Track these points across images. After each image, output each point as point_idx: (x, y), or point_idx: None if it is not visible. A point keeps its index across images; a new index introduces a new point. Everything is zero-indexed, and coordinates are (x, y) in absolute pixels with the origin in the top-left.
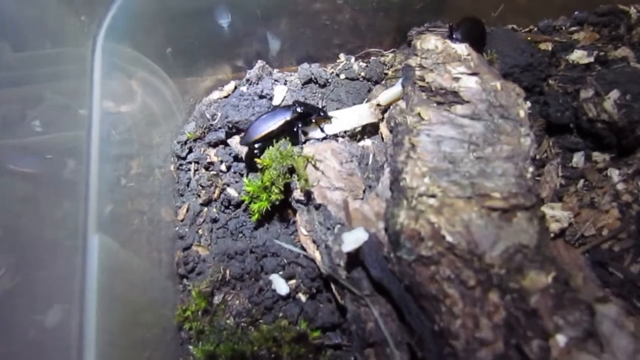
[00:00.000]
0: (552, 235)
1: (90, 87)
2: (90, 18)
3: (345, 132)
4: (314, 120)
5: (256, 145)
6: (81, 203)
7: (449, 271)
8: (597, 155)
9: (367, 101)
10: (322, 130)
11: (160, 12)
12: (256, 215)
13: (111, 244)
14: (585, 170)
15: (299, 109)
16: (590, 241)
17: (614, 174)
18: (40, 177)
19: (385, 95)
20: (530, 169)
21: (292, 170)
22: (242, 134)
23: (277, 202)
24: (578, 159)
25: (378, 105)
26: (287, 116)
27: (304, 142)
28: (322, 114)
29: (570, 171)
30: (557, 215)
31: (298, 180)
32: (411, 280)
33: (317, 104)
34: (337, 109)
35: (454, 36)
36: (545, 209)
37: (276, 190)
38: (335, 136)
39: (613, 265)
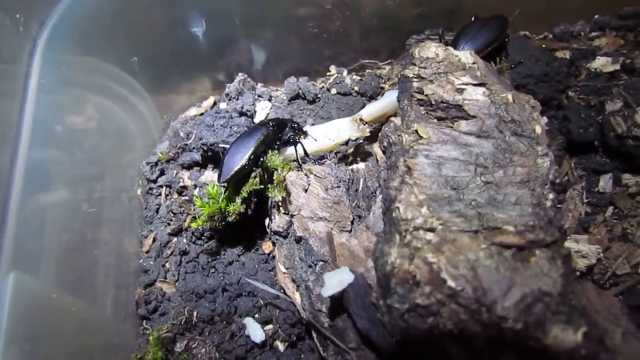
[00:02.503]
0: (577, 274)
1: (24, 98)
2: (29, 16)
3: (335, 153)
4: (290, 137)
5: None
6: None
7: (451, 325)
8: (628, 178)
9: None
10: (302, 146)
11: (119, 14)
12: (199, 222)
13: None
14: (615, 196)
15: (271, 123)
16: (624, 281)
17: None
18: None
19: (370, 109)
20: (551, 196)
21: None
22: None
23: (234, 217)
24: (605, 182)
25: (361, 119)
26: (261, 135)
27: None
28: (294, 125)
29: (596, 197)
30: (582, 249)
31: (271, 192)
32: (404, 335)
33: (305, 121)
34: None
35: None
36: (568, 242)
37: (237, 200)
38: (320, 158)
39: None
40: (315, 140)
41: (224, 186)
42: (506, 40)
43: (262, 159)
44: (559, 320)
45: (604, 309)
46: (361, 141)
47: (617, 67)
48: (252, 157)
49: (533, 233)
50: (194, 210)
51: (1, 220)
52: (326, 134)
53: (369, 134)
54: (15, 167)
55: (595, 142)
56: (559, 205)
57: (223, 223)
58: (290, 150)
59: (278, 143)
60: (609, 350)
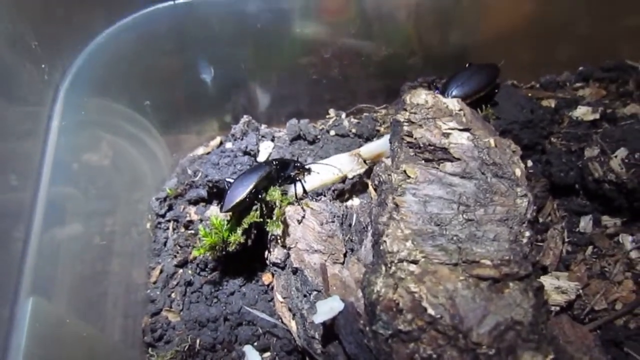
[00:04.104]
0: (558, 308)
1: (45, 139)
2: (53, 66)
3: (333, 191)
4: (292, 175)
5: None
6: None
7: (430, 350)
8: (606, 220)
9: None
10: (302, 184)
11: (134, 61)
12: (201, 250)
13: (56, 309)
14: (594, 236)
15: (274, 162)
16: (601, 316)
17: (627, 240)
18: None
19: (368, 147)
20: (527, 234)
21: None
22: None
23: (235, 247)
24: (586, 223)
25: (359, 155)
26: (264, 172)
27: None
28: (297, 164)
29: (577, 237)
30: (563, 286)
31: (270, 226)
32: (388, 359)
33: (305, 160)
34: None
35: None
36: (549, 278)
37: (239, 231)
38: (317, 195)
39: (629, 345)
40: (318, 173)
41: (226, 217)
42: (495, 90)
43: (262, 194)
44: (529, 347)
45: (577, 340)
46: (358, 179)
47: (597, 116)
48: (253, 191)
49: (508, 267)
50: (200, 242)
51: (23, 250)
52: (328, 169)
53: (366, 168)
54: (36, 202)
55: (576, 185)
56: (540, 244)
57: (224, 252)
58: (292, 189)
59: (280, 180)
60: None
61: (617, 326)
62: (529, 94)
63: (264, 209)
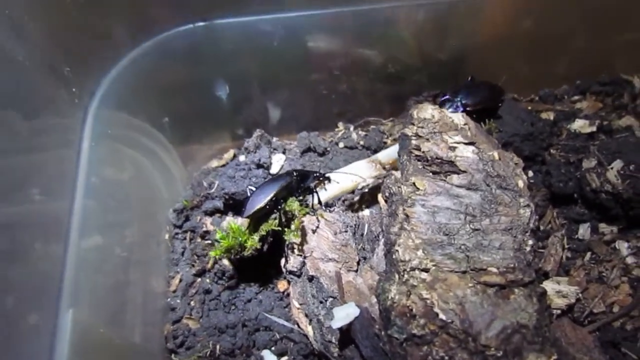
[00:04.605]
0: (559, 311)
1: (78, 156)
2: (83, 89)
3: (343, 201)
4: (312, 186)
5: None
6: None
7: (442, 352)
8: (603, 227)
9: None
10: (318, 195)
11: (154, 84)
12: (217, 252)
13: (91, 319)
14: (592, 243)
15: (295, 173)
16: (600, 318)
17: (623, 246)
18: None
19: (385, 152)
20: (530, 242)
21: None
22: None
23: (250, 252)
24: (584, 230)
25: (378, 161)
26: (284, 182)
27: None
28: (317, 174)
29: (576, 243)
30: (563, 290)
31: (287, 235)
32: None
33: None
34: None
35: (461, 100)
36: (550, 283)
37: (255, 237)
38: (328, 206)
39: (626, 346)
40: (338, 182)
41: (243, 223)
42: (499, 104)
43: (282, 204)
44: (533, 349)
45: (578, 341)
46: (366, 190)
47: (594, 128)
48: (273, 199)
49: (513, 274)
50: (217, 244)
51: (62, 263)
52: (347, 176)
53: (385, 173)
54: (72, 216)
55: (574, 194)
56: (541, 250)
57: (238, 256)
58: (310, 199)
59: (300, 191)
60: None
61: (615, 328)
62: (529, 107)
63: (283, 218)
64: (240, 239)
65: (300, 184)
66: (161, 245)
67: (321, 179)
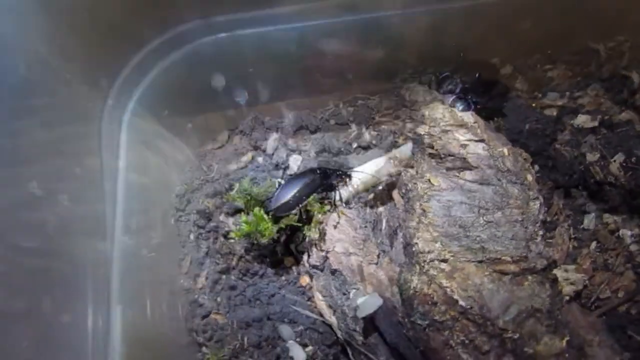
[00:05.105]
0: (567, 298)
1: (116, 163)
2: (117, 101)
3: (359, 198)
4: (335, 183)
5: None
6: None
7: (462, 336)
8: (607, 217)
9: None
10: (339, 193)
11: (179, 92)
12: (238, 234)
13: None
14: (597, 232)
15: (318, 171)
16: (606, 304)
17: (626, 235)
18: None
19: (400, 149)
20: (540, 232)
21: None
22: (267, 201)
23: (268, 240)
24: (589, 220)
25: (396, 157)
26: (308, 179)
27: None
28: (340, 172)
29: (582, 233)
30: (571, 278)
31: (308, 231)
32: (426, 345)
33: (309, 149)
34: (327, 156)
35: (469, 98)
36: (559, 271)
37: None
38: (347, 203)
39: (631, 329)
40: (359, 179)
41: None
42: (505, 102)
43: (304, 200)
44: (547, 331)
45: (587, 325)
46: (381, 188)
47: (596, 123)
48: (296, 195)
49: (526, 262)
50: (239, 250)
51: (107, 262)
52: (369, 173)
53: (403, 169)
54: (115, 217)
55: (579, 186)
56: (550, 240)
57: (257, 242)
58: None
59: (322, 188)
60: (587, 356)
61: (620, 312)
62: (533, 104)
63: (303, 214)
64: (261, 226)
65: (323, 181)
66: (187, 245)
67: (343, 176)
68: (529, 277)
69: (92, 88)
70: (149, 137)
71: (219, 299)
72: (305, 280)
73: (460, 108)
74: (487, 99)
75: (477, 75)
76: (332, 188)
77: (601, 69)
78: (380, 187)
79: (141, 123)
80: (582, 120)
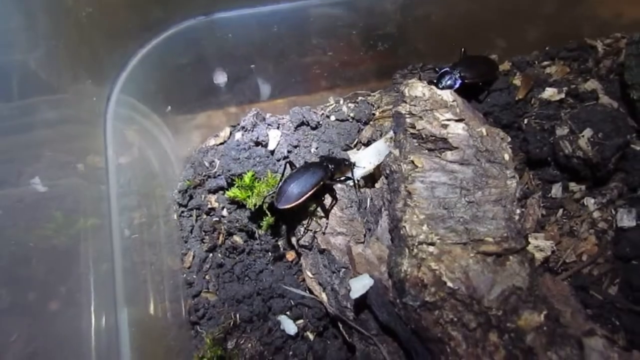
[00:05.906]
0: (538, 263)
1: (119, 159)
2: (100, 97)
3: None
4: (341, 178)
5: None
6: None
7: (451, 315)
8: (573, 186)
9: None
10: (346, 178)
11: (160, 78)
12: (230, 193)
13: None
14: (564, 201)
15: (330, 167)
16: (571, 267)
17: (590, 202)
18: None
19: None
20: (518, 211)
21: None
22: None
23: (267, 228)
24: (556, 190)
25: (391, 138)
26: (320, 177)
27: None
28: (346, 162)
29: (550, 201)
30: (540, 244)
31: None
32: (417, 324)
33: (310, 145)
34: (329, 150)
35: (460, 74)
36: (530, 239)
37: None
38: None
39: (593, 289)
40: (364, 167)
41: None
42: (496, 78)
43: (311, 192)
44: (527, 307)
45: (557, 293)
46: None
47: (563, 95)
48: (303, 189)
49: (507, 243)
50: (224, 228)
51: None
52: (370, 159)
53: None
54: (111, 210)
55: (548, 158)
56: (522, 209)
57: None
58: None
59: (328, 178)
60: (562, 326)
61: (584, 274)
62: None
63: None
64: (246, 194)
65: (333, 175)
66: (169, 224)
67: (349, 165)
68: (510, 257)
69: (95, 84)
70: (151, 134)
71: (207, 277)
72: (292, 255)
73: (449, 82)
74: (476, 73)
75: (462, 50)
76: (342, 178)
77: (598, 65)
78: None
79: (144, 120)
80: (549, 93)
